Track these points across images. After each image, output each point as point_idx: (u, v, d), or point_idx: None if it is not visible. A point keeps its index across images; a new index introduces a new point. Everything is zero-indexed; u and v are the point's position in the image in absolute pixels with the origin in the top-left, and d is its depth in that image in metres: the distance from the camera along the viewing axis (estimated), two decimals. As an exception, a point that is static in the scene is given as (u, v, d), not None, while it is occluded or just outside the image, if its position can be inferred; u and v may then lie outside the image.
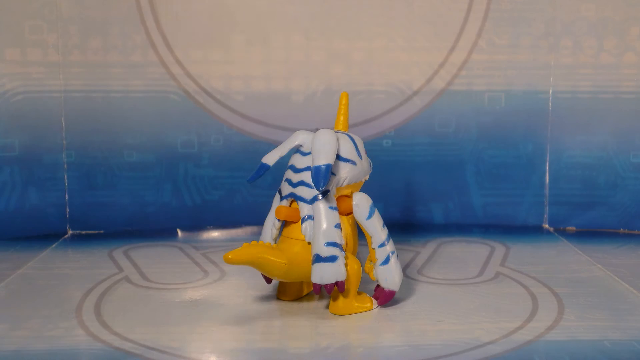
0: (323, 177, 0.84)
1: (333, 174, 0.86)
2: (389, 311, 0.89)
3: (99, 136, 1.27)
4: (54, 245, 1.21)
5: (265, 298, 0.94)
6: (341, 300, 0.87)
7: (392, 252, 0.88)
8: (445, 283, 1.01)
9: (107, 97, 1.26)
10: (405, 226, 1.30)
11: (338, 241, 0.85)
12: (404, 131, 1.31)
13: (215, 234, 1.28)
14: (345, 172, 0.86)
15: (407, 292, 0.96)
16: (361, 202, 0.87)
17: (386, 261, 0.88)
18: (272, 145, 1.28)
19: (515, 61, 1.29)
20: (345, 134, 0.89)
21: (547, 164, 1.31)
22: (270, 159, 0.89)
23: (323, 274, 0.84)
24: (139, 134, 1.28)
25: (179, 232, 1.30)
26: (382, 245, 0.87)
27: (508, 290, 0.98)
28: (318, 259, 0.84)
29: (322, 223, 0.85)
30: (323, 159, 0.84)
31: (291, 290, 0.92)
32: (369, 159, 0.92)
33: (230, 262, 0.82)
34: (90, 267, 1.09)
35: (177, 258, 1.15)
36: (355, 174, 0.88)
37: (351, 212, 0.89)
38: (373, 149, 1.28)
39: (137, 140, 1.28)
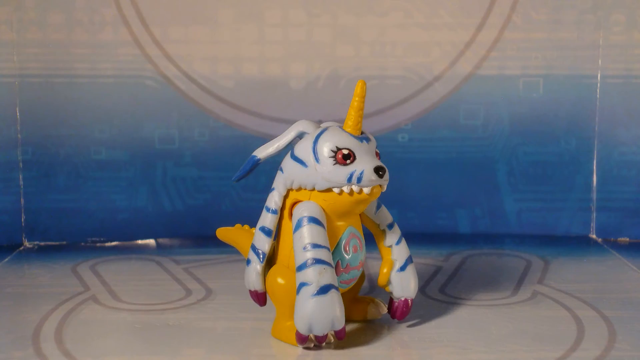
0: (242, 167, 0.88)
1: (281, 171, 0.87)
2: (406, 337, 0.89)
3: (60, 129, 1.27)
4: (6, 259, 1.21)
5: (258, 321, 0.94)
6: (275, 320, 0.89)
7: (304, 284, 0.81)
8: (472, 304, 1.00)
9: (71, 83, 1.26)
10: (424, 236, 1.30)
11: (257, 246, 0.88)
12: (423, 124, 1.31)
13: (199, 245, 1.28)
14: (291, 172, 0.86)
15: (426, 315, 0.95)
16: (295, 212, 0.85)
17: (297, 291, 0.82)
18: (266, 140, 1.28)
19: (556, 40, 1.29)
20: (330, 129, 0.86)
21: (595, 162, 1.31)
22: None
23: (244, 277, 0.90)
24: (109, 126, 1.28)
25: (157, 243, 1.29)
26: (297, 269, 0.83)
27: (548, 313, 0.97)
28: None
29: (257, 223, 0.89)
30: (259, 149, 0.88)
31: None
32: (356, 167, 0.83)
33: (218, 236, 0.99)
34: (50, 284, 1.09)
35: (154, 274, 1.14)
36: (305, 178, 0.85)
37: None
38: (386, 145, 1.28)
39: (107, 135, 1.28)
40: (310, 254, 0.82)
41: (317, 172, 0.83)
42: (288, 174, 0.86)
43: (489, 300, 1.02)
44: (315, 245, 0.82)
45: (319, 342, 0.83)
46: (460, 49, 1.29)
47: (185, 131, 1.29)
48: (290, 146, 0.87)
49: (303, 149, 0.85)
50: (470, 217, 1.33)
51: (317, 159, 0.84)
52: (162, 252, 1.25)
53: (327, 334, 0.82)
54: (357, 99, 0.85)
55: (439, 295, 1.04)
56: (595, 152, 1.30)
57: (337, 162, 0.83)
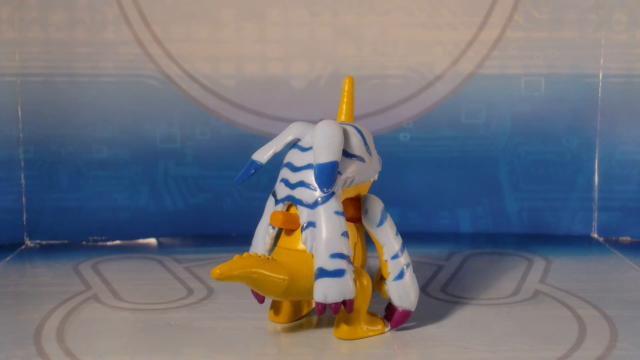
0: (329, 177, 0.83)
1: (339, 172, 0.86)
2: (407, 336, 0.89)
3: (62, 128, 1.27)
4: (8, 258, 1.21)
5: (259, 320, 0.94)
6: (348, 323, 0.87)
7: (407, 265, 0.88)
8: (473, 303, 1.00)
9: (72, 82, 1.26)
10: (425, 235, 1.30)
11: (345, 252, 0.84)
12: (425, 123, 1.31)
13: (200, 244, 1.28)
14: (352, 170, 0.86)
15: (428, 314, 0.95)
16: (371, 207, 0.87)
17: (400, 276, 0.88)
18: (268, 139, 1.28)
19: (558, 39, 1.28)
20: (351, 125, 0.89)
21: (596, 161, 1.31)
22: (261, 155, 0.88)
23: (328, 292, 0.83)
24: (111, 125, 1.28)
25: (158, 242, 1.29)
26: (395, 257, 0.87)
27: (549, 313, 0.97)
28: (322, 273, 0.83)
29: (326, 231, 0.84)
30: (328, 155, 0.84)
31: (287, 311, 0.92)
32: (378, 156, 0.92)
33: (219, 278, 0.81)
34: (51, 283, 1.08)
35: (156, 273, 1.14)
36: (364, 172, 0.87)
37: (359, 218, 0.88)
38: (388, 144, 1.28)
39: (108, 134, 1.28)
40: (400, 240, 0.88)
41: (371, 165, 0.88)
42: (347, 174, 0.86)
43: (491, 299, 1.02)
44: (397, 233, 0.89)
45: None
46: (462, 48, 1.29)
47: (186, 130, 1.29)
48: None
49: (357, 146, 0.87)
50: (472, 216, 1.33)
51: (369, 153, 0.89)
52: (163, 251, 1.25)
53: None
54: (347, 94, 0.94)
55: (440, 295, 1.04)
56: (597, 151, 1.30)
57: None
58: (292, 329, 0.91)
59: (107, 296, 1.03)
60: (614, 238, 1.31)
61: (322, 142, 0.84)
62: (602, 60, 1.28)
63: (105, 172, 1.29)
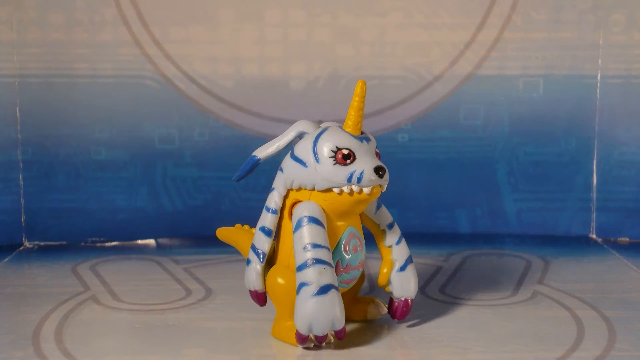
0: (242, 168, 0.88)
1: (281, 170, 0.87)
2: (406, 336, 0.89)
3: (60, 129, 1.27)
4: (6, 259, 1.21)
5: (258, 321, 0.93)
6: (275, 320, 0.88)
7: (304, 284, 0.81)
8: (472, 304, 1.00)
9: (71, 83, 1.26)
10: (424, 236, 1.30)
11: (257, 246, 0.88)
12: (423, 124, 1.31)
13: (199, 245, 1.28)
14: (291, 172, 0.86)
15: (426, 314, 0.95)
16: (295, 211, 0.85)
17: (297, 291, 0.82)
18: (266, 140, 1.28)
19: (556, 40, 1.29)
20: (328, 131, 0.85)
21: (595, 162, 1.31)
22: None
23: (245, 277, 0.90)
24: (109, 126, 1.28)
25: (157, 243, 1.29)
26: (297, 269, 0.83)
27: (548, 313, 0.97)
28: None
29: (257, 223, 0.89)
30: (260, 149, 0.88)
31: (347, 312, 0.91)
32: (356, 167, 0.83)
33: (218, 236, 1.00)
34: (50, 284, 1.08)
35: (154, 274, 1.14)
36: (303, 178, 0.85)
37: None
38: (386, 145, 1.28)
39: (107, 135, 1.28)
40: (310, 254, 0.82)
41: (317, 172, 0.83)
42: (288, 174, 0.86)
43: (489, 300, 1.02)
44: (315, 245, 0.82)
45: (319, 342, 0.83)
46: (461, 49, 1.29)
47: (185, 131, 1.29)
48: (290, 146, 0.87)
49: (303, 149, 0.85)
50: (470, 217, 1.33)
51: (317, 159, 0.84)
52: (162, 252, 1.25)
53: (327, 334, 0.82)
54: (357, 98, 0.85)
55: (439, 296, 1.04)
56: (595, 152, 1.30)
57: (337, 162, 0.83)
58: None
59: (106, 297, 1.03)
60: (612, 239, 1.31)
61: (272, 139, 0.88)
62: (600, 61, 1.28)
63: (104, 173, 1.29)
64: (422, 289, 1.06)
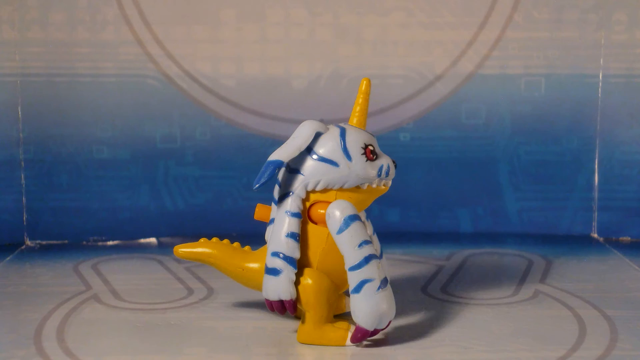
0: (263, 173, 0.85)
1: (300, 173, 0.85)
2: (407, 336, 0.89)
3: (62, 128, 1.27)
4: (8, 258, 1.21)
5: (259, 320, 0.94)
6: (304, 325, 0.87)
7: (368, 281, 0.83)
8: (473, 303, 1.00)
9: (72, 82, 1.26)
10: (426, 235, 1.30)
11: (287, 253, 0.85)
12: (425, 123, 1.30)
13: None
14: (318, 173, 0.85)
15: (428, 314, 0.95)
16: (332, 212, 0.84)
17: (356, 289, 0.83)
18: (268, 140, 1.29)
19: (558, 39, 1.28)
20: (341, 127, 0.86)
21: (596, 162, 1.30)
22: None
23: (266, 289, 0.86)
24: (111, 126, 1.28)
25: (158, 242, 1.29)
26: (353, 268, 0.83)
27: (549, 313, 0.97)
28: (265, 269, 0.86)
29: (275, 229, 0.86)
30: (278, 152, 0.85)
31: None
32: (385, 163, 0.87)
33: (179, 255, 0.92)
34: (52, 283, 1.08)
35: (156, 273, 1.14)
36: (337, 177, 0.85)
37: None
38: (388, 144, 1.27)
39: (109, 134, 1.28)
40: (365, 251, 0.83)
41: (350, 170, 0.85)
42: (312, 176, 0.85)
43: (491, 299, 1.02)
44: (366, 242, 0.83)
45: (374, 335, 0.85)
46: (462, 48, 1.29)
47: (187, 130, 1.29)
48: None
49: (330, 149, 0.85)
50: (472, 216, 1.33)
51: (349, 157, 0.85)
52: (163, 251, 1.25)
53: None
54: (362, 96, 0.88)
55: (440, 295, 1.03)
56: (597, 151, 1.30)
57: (367, 158, 0.85)
58: (292, 329, 0.91)
59: (107, 296, 1.03)
60: (614, 238, 1.31)
61: (287, 140, 0.86)
62: (602, 61, 1.28)
63: (106, 172, 1.29)
64: (423, 288, 1.06)
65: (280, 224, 0.85)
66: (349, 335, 0.85)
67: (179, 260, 1.19)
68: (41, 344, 0.87)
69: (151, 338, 0.89)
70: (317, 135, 0.86)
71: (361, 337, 0.84)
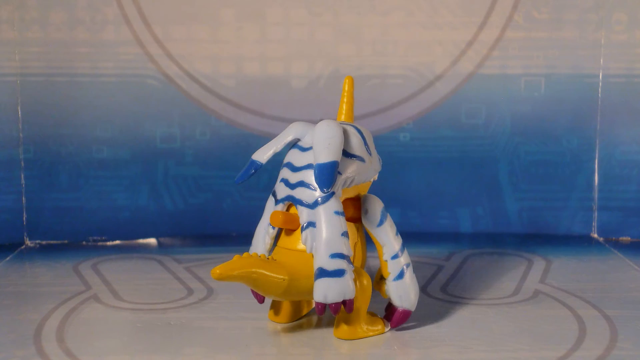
0: (329, 177, 0.83)
1: (339, 172, 0.86)
2: (407, 336, 0.89)
3: (62, 128, 1.27)
4: (8, 258, 1.21)
5: (259, 320, 0.94)
6: (348, 323, 0.87)
7: (407, 265, 0.88)
8: (473, 303, 1.00)
9: (72, 82, 1.26)
10: (426, 235, 1.30)
11: (345, 252, 0.84)
12: (425, 123, 1.31)
13: (200, 244, 1.28)
14: (352, 170, 0.86)
15: (428, 314, 0.95)
16: (371, 207, 0.88)
17: (400, 275, 0.88)
18: (268, 140, 1.28)
19: (557, 39, 1.28)
20: (351, 125, 0.89)
21: (596, 161, 1.30)
22: (261, 155, 0.88)
23: (328, 292, 0.83)
24: (111, 125, 1.28)
25: (158, 242, 1.29)
26: (395, 256, 0.88)
27: (549, 313, 0.97)
28: (322, 273, 0.83)
29: (326, 231, 0.84)
30: (328, 155, 0.84)
31: (287, 311, 0.92)
32: (378, 156, 0.92)
33: (219, 278, 0.81)
34: (51, 283, 1.08)
35: (156, 273, 1.14)
36: (364, 172, 0.88)
37: (359, 218, 0.88)
38: (388, 144, 1.28)
39: (108, 134, 1.28)
40: (400, 240, 0.89)
41: (371, 165, 0.88)
42: (347, 174, 0.86)
43: (491, 299, 1.02)
44: (398, 231, 0.89)
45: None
46: (462, 48, 1.29)
47: (186, 130, 1.29)
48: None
49: (357, 146, 0.87)
50: (472, 216, 1.33)
51: (370, 152, 0.89)
52: (163, 251, 1.25)
53: None
54: (347, 94, 0.94)
55: (440, 295, 1.03)
56: (597, 151, 1.30)
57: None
58: (292, 329, 0.91)
59: (107, 296, 1.03)
60: (614, 238, 1.31)
61: (323, 142, 0.84)
62: (602, 61, 1.28)
63: (105, 172, 1.29)
64: (423, 288, 1.05)
65: (332, 224, 0.84)
66: (387, 323, 0.90)
67: (178, 261, 1.19)
68: (41, 344, 0.87)
69: (151, 338, 0.89)
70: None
71: (405, 318, 0.89)
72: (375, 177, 0.91)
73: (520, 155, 1.31)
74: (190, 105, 1.29)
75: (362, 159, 0.87)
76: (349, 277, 0.84)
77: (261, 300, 0.90)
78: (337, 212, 0.84)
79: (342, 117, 0.95)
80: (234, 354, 0.85)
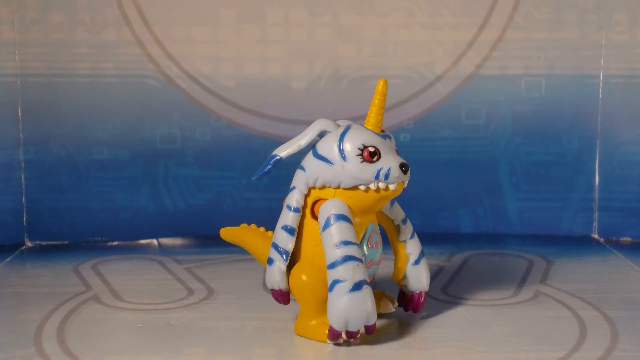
0: (262, 167, 0.87)
1: (303, 169, 0.87)
2: (407, 336, 0.89)
3: (62, 129, 1.27)
4: (8, 259, 1.21)
5: (259, 320, 0.94)
6: (298, 317, 0.89)
7: (339, 281, 0.82)
8: (474, 304, 1.00)
9: (72, 83, 1.26)
10: (426, 236, 1.29)
11: (280, 245, 0.87)
12: (425, 123, 1.31)
13: (201, 244, 1.28)
14: (316, 170, 0.86)
15: (428, 315, 0.95)
16: (321, 210, 0.85)
17: (330, 288, 0.83)
18: (268, 140, 1.29)
19: (558, 40, 1.28)
20: (353, 128, 0.86)
21: (597, 162, 1.31)
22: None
23: (265, 277, 0.89)
24: (111, 126, 1.28)
25: (158, 243, 1.29)
26: (329, 267, 0.83)
27: (550, 313, 0.97)
28: (268, 259, 0.89)
29: (278, 221, 0.88)
30: (280, 148, 0.87)
31: None
32: (391, 166, 0.86)
33: (222, 236, 0.98)
34: (52, 284, 1.09)
35: (156, 273, 1.14)
36: (330, 176, 0.85)
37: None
38: (389, 145, 1.28)
39: (108, 134, 1.28)
40: (341, 251, 0.82)
41: (344, 170, 0.84)
42: (311, 172, 0.86)
43: (491, 300, 1.02)
44: (346, 242, 0.83)
45: (350, 337, 0.84)
46: (463, 49, 1.29)
47: (186, 131, 1.29)
48: (309, 145, 0.87)
49: (328, 147, 0.85)
50: (472, 217, 1.33)
51: (344, 157, 0.85)
52: (164, 251, 1.25)
53: (359, 330, 0.83)
54: (378, 97, 0.86)
55: (440, 295, 1.04)
56: (598, 152, 1.30)
57: (364, 159, 0.84)
58: (292, 330, 0.91)
59: (108, 297, 1.03)
60: (614, 239, 1.31)
61: (292, 139, 0.87)
62: (602, 61, 1.28)
63: (106, 172, 1.29)
64: (424, 289, 1.06)
65: (281, 217, 0.87)
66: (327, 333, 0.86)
67: (179, 261, 1.19)
68: (41, 344, 0.87)
69: (151, 338, 0.89)
70: (324, 134, 0.87)
71: (332, 336, 0.84)
72: (381, 188, 0.85)
73: (521, 156, 1.31)
74: (190, 106, 1.29)
75: (328, 162, 0.85)
76: (275, 269, 0.88)
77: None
78: (288, 206, 0.87)
79: (370, 122, 0.88)
80: (234, 354, 0.85)
